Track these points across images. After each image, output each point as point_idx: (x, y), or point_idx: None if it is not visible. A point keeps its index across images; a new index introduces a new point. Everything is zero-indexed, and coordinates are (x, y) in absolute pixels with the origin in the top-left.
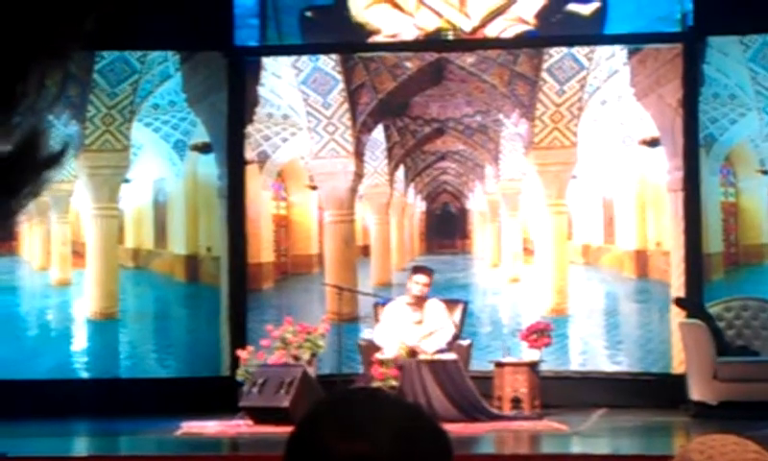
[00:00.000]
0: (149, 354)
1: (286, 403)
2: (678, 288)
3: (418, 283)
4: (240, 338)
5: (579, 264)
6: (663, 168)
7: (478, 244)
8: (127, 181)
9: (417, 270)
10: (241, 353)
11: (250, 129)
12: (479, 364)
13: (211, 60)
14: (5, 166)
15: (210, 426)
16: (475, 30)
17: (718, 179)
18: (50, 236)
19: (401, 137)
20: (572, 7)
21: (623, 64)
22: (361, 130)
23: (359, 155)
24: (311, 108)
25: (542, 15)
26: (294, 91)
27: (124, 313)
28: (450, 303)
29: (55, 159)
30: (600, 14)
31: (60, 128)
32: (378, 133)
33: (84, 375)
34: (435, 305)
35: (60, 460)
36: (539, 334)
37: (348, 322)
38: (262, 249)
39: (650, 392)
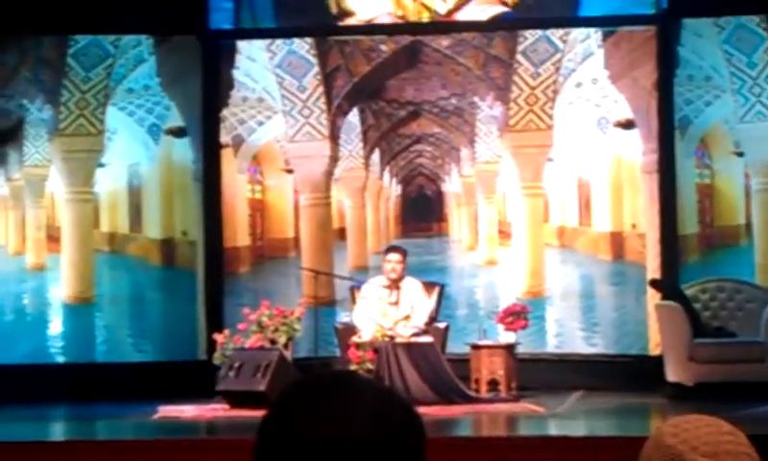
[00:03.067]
0: (125, 339)
1: (263, 387)
2: (653, 270)
3: (390, 262)
4: (216, 322)
5: (555, 246)
6: (639, 150)
7: (454, 227)
8: (101, 165)
9: (390, 249)
10: (217, 337)
11: (224, 112)
12: (456, 346)
13: (185, 43)
14: None
15: (187, 410)
16: (450, 12)
17: (693, 160)
18: (25, 221)
19: (376, 120)
20: None
21: (598, 47)
22: (336, 113)
23: (334, 138)
24: (286, 91)
25: None
26: (268, 74)
27: (99, 297)
28: (427, 286)
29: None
30: None
31: (35, 112)
32: (353, 116)
33: (60, 359)
34: (411, 286)
35: (36, 445)
36: (515, 317)
37: (324, 305)
38: (238, 232)
39: (626, 374)
